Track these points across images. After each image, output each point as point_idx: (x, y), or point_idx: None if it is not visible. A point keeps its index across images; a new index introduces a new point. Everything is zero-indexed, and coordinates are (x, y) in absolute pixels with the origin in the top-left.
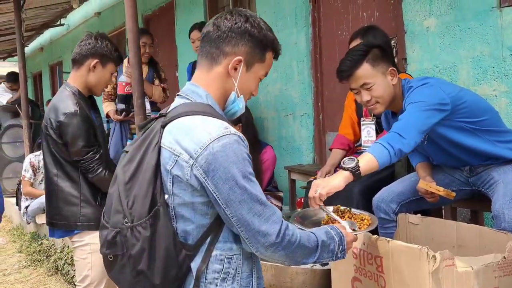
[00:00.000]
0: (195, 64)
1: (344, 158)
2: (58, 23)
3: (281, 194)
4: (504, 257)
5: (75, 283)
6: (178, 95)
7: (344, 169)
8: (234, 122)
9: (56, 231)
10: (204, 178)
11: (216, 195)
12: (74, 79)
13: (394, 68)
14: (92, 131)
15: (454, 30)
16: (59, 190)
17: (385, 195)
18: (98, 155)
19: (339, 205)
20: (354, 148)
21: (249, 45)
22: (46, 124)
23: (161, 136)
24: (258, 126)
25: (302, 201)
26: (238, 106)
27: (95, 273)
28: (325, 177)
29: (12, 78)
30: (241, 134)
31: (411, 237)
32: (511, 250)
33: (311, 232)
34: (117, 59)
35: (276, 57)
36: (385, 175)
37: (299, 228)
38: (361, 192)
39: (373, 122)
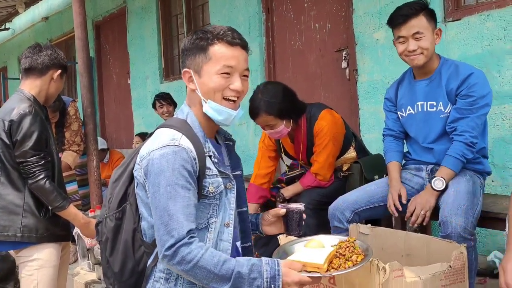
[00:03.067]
0: None
1: (434, 180)
2: (3, 27)
3: None
4: (450, 266)
5: None
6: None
7: (434, 189)
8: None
9: (0, 245)
10: (144, 179)
11: (149, 196)
12: (31, 87)
13: (440, 29)
14: (44, 136)
15: None
16: (0, 198)
17: (340, 203)
18: (43, 161)
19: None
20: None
21: (190, 56)
22: None
23: (143, 144)
24: None
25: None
26: (216, 111)
27: None
28: None
29: None
30: (187, 147)
31: None
32: (456, 259)
33: (232, 259)
34: (67, 70)
35: (228, 42)
36: (334, 188)
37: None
38: (307, 205)
39: (303, 171)
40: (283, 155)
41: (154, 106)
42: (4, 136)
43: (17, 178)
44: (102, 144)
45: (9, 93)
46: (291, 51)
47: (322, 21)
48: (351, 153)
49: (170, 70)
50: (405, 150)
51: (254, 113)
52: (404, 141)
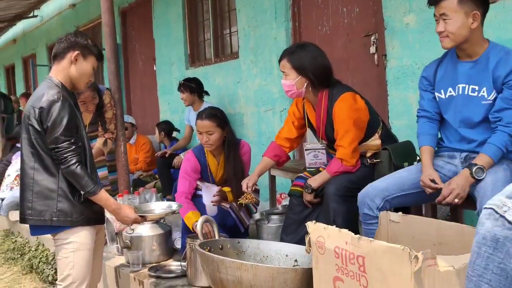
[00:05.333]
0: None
1: (475, 168)
2: (31, 14)
3: (258, 187)
4: None
5: (56, 282)
6: None
7: (474, 178)
8: (223, 127)
9: (37, 229)
10: None
11: None
12: (56, 73)
13: (477, 12)
14: (74, 121)
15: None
16: (34, 183)
17: (370, 190)
18: (74, 146)
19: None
20: (285, 161)
21: None
22: (29, 113)
23: None
24: (238, 122)
25: (282, 197)
26: None
27: (77, 272)
28: (252, 189)
29: None
30: None
31: (392, 235)
32: None
33: None
34: (98, 54)
35: None
36: (362, 174)
37: None
38: (336, 192)
39: (324, 147)
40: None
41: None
42: (36, 123)
43: (51, 164)
44: (130, 119)
45: (38, 79)
46: (318, 36)
47: (350, 5)
48: (375, 141)
49: (196, 56)
50: (439, 136)
51: (280, 56)
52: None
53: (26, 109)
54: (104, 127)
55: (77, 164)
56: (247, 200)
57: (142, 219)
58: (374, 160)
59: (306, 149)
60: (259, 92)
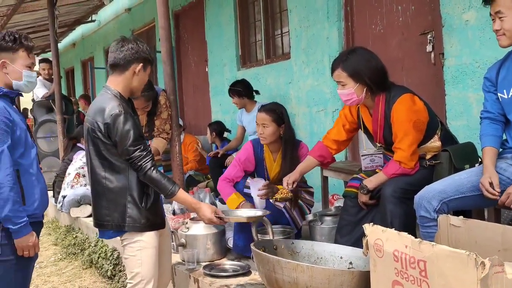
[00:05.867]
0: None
1: None
2: (90, 19)
3: (312, 189)
4: None
5: (126, 281)
6: None
7: None
8: (279, 123)
9: (106, 232)
10: None
11: None
12: (116, 83)
13: None
14: (137, 129)
15: None
16: (108, 191)
17: (426, 192)
18: (145, 152)
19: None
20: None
21: None
22: (94, 127)
23: None
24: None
25: (335, 198)
26: None
27: (146, 271)
28: (293, 185)
29: (47, 60)
30: None
31: (453, 240)
32: None
33: None
34: (153, 60)
35: None
36: (421, 176)
37: None
38: (393, 194)
39: (381, 152)
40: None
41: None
42: (102, 137)
43: (120, 172)
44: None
45: (96, 81)
46: (371, 35)
47: (405, 2)
48: (435, 142)
49: (247, 57)
50: (504, 137)
51: (332, 66)
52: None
53: (89, 121)
54: (150, 134)
55: (152, 169)
56: (282, 195)
57: (219, 220)
58: (434, 162)
59: (363, 155)
60: (311, 92)
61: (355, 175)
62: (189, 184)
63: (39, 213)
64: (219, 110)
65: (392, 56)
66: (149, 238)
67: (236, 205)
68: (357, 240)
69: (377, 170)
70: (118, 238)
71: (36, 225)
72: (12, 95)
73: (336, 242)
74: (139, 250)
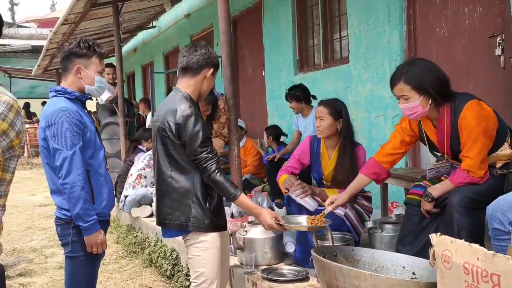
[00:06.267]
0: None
1: None
2: (151, 25)
3: (369, 194)
4: None
5: (191, 280)
6: None
7: None
8: (336, 117)
9: (168, 231)
10: None
11: None
12: (187, 86)
13: None
14: (205, 131)
15: None
16: (173, 191)
17: (501, 203)
18: (211, 155)
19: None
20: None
21: None
22: (164, 127)
23: None
24: None
25: (394, 206)
26: None
27: (210, 271)
28: (333, 208)
29: (111, 65)
30: None
31: None
32: None
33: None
34: (218, 66)
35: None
36: (490, 186)
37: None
38: (460, 203)
39: (448, 163)
40: (425, 146)
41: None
42: (172, 137)
43: (186, 172)
44: (240, 123)
45: (155, 85)
46: (435, 38)
47: (472, 4)
48: (506, 150)
49: (305, 62)
50: None
51: (392, 80)
52: None
53: (160, 121)
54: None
55: (216, 171)
56: (315, 223)
57: (279, 227)
58: (505, 171)
59: (429, 169)
60: (370, 97)
61: (417, 182)
62: (245, 187)
63: (107, 212)
64: (275, 114)
65: (457, 60)
66: (212, 238)
67: (282, 181)
68: (420, 250)
69: (442, 178)
70: (179, 238)
71: (104, 223)
72: (83, 99)
73: (397, 251)
74: (203, 250)
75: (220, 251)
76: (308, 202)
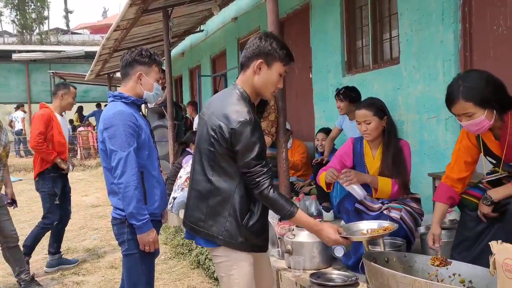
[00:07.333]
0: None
1: None
2: (199, 29)
3: (418, 196)
4: None
5: None
6: None
7: None
8: (380, 116)
9: (196, 237)
10: None
11: None
12: (242, 82)
13: None
14: (263, 143)
15: None
16: (210, 196)
17: None
18: (266, 169)
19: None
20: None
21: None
22: (215, 127)
23: None
24: (398, 130)
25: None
26: None
27: None
28: (440, 243)
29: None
30: None
31: None
32: None
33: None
34: (285, 57)
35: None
36: None
37: None
38: None
39: (505, 174)
40: (484, 156)
41: None
42: (223, 141)
43: (229, 180)
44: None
45: (202, 89)
46: (492, 37)
47: None
48: None
49: (353, 63)
50: None
51: (450, 99)
52: None
53: (210, 118)
54: None
55: (269, 188)
56: (439, 263)
57: (345, 240)
58: None
59: (488, 181)
60: (422, 98)
61: (475, 183)
62: (291, 189)
63: (159, 212)
64: (322, 117)
65: None
66: (244, 257)
67: (322, 179)
68: (476, 257)
69: (504, 181)
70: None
71: (156, 223)
72: (139, 103)
73: (452, 258)
74: (235, 269)
75: (252, 267)
76: (356, 190)
